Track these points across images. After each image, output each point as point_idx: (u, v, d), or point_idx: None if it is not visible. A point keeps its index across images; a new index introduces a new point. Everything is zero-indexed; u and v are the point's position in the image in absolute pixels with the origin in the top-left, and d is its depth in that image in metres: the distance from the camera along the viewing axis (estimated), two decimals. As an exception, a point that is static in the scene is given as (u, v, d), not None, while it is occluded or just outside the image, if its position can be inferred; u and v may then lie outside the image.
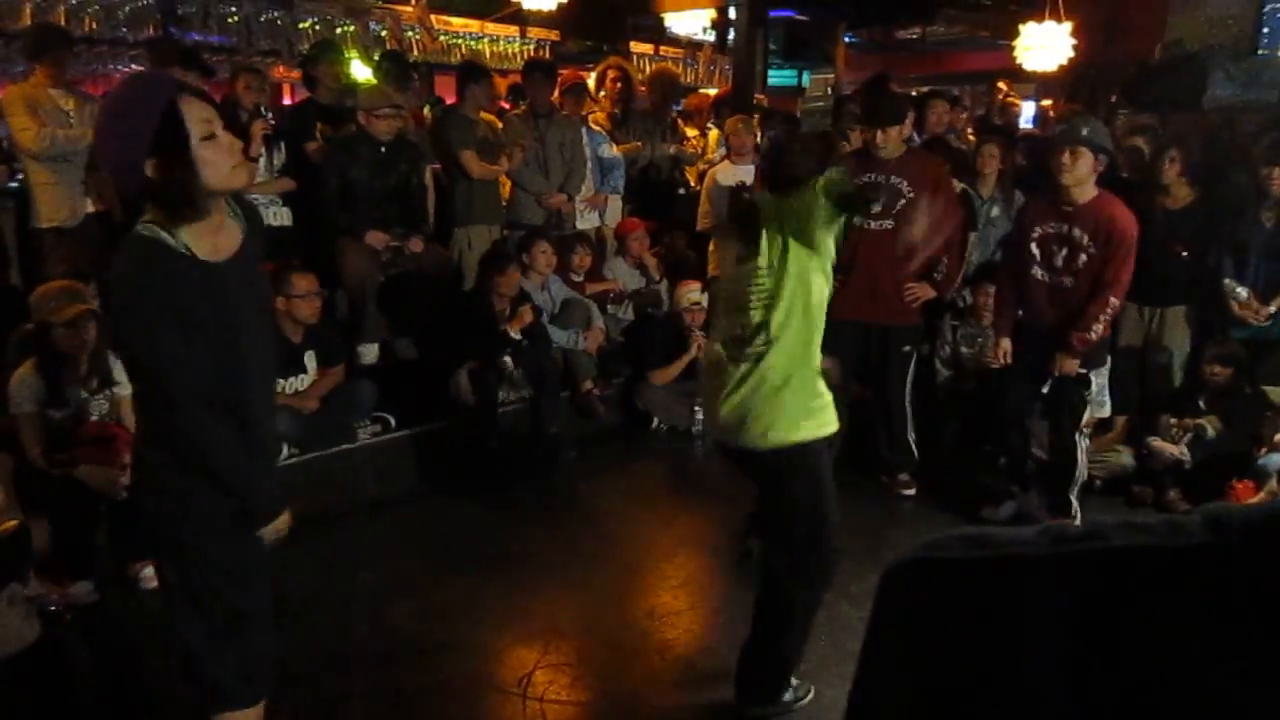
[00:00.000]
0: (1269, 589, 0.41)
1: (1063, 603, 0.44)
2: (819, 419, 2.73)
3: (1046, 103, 7.79)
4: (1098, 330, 3.94)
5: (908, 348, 4.57)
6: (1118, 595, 0.44)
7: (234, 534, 2.06)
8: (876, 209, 4.09)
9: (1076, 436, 4.13)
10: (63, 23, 6.15)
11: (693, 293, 5.63)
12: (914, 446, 4.69)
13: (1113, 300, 3.90)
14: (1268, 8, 7.18)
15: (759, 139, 6.09)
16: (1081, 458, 4.15)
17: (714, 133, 7.02)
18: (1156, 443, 4.51)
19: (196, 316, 1.90)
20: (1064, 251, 3.97)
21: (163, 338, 1.87)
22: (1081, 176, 3.87)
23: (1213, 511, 0.46)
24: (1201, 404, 4.59)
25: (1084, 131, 3.90)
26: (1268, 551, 0.43)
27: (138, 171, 1.83)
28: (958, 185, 5.29)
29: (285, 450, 4.07)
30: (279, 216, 4.98)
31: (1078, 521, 4.21)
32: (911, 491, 4.67)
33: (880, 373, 4.60)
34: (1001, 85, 7.62)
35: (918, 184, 4.25)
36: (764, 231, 2.66)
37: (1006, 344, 4.25)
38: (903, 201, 4.24)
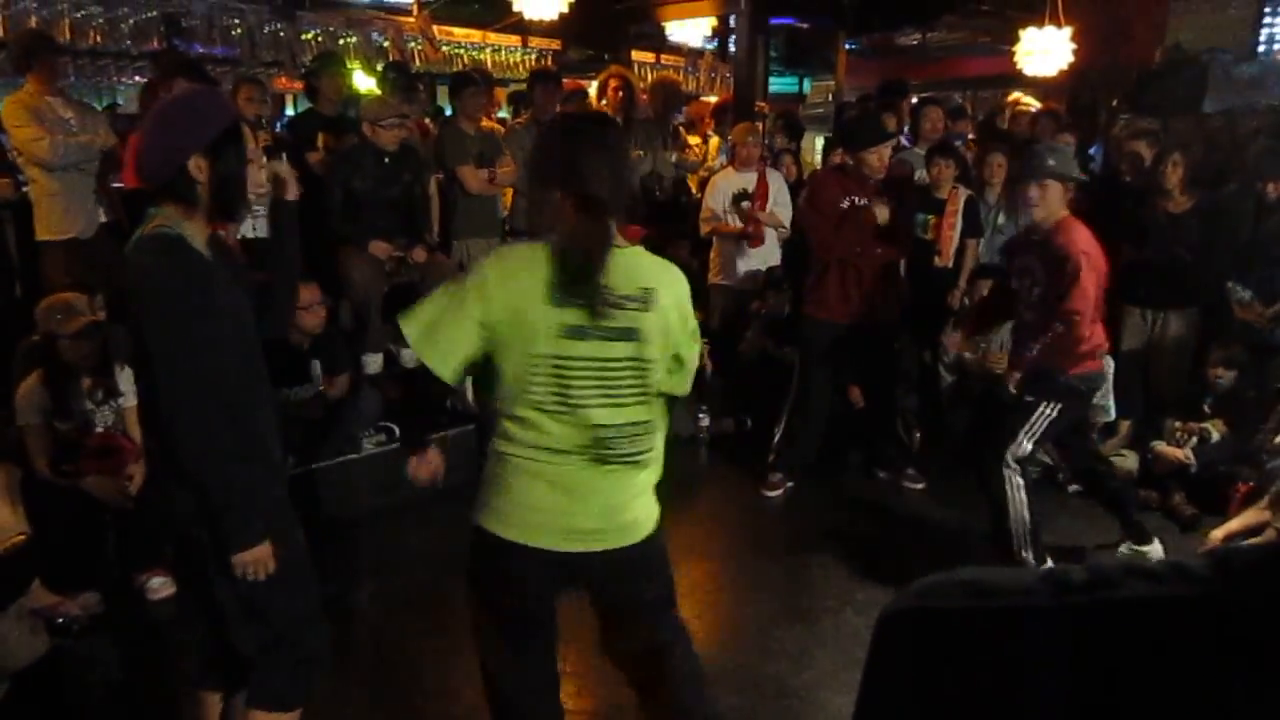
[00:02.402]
0: (1265, 632, 0.40)
1: (1068, 656, 0.42)
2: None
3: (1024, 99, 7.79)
4: (1034, 349, 3.68)
5: (897, 346, 4.79)
6: (1126, 649, 0.42)
7: (285, 541, 2.11)
8: None
9: (1004, 471, 3.66)
10: (68, 35, 6.18)
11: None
12: (903, 434, 4.81)
13: (1057, 326, 3.60)
14: (1267, 12, 7.19)
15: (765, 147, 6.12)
16: (1014, 499, 3.66)
17: (714, 140, 7.03)
18: (1161, 446, 4.51)
19: (220, 313, 2.00)
20: (1027, 283, 3.77)
21: (199, 333, 1.94)
22: (1053, 209, 3.61)
23: (1220, 555, 0.44)
24: (1206, 408, 4.59)
25: (1050, 162, 3.62)
26: (1274, 594, 0.41)
27: (176, 164, 1.99)
28: (964, 192, 5.32)
29: (290, 460, 4.08)
30: (280, 227, 4.99)
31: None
32: (920, 485, 4.72)
33: (872, 371, 4.76)
34: (1017, 95, 7.65)
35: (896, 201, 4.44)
36: None
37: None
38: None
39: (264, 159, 4.86)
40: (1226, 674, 0.40)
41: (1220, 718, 0.40)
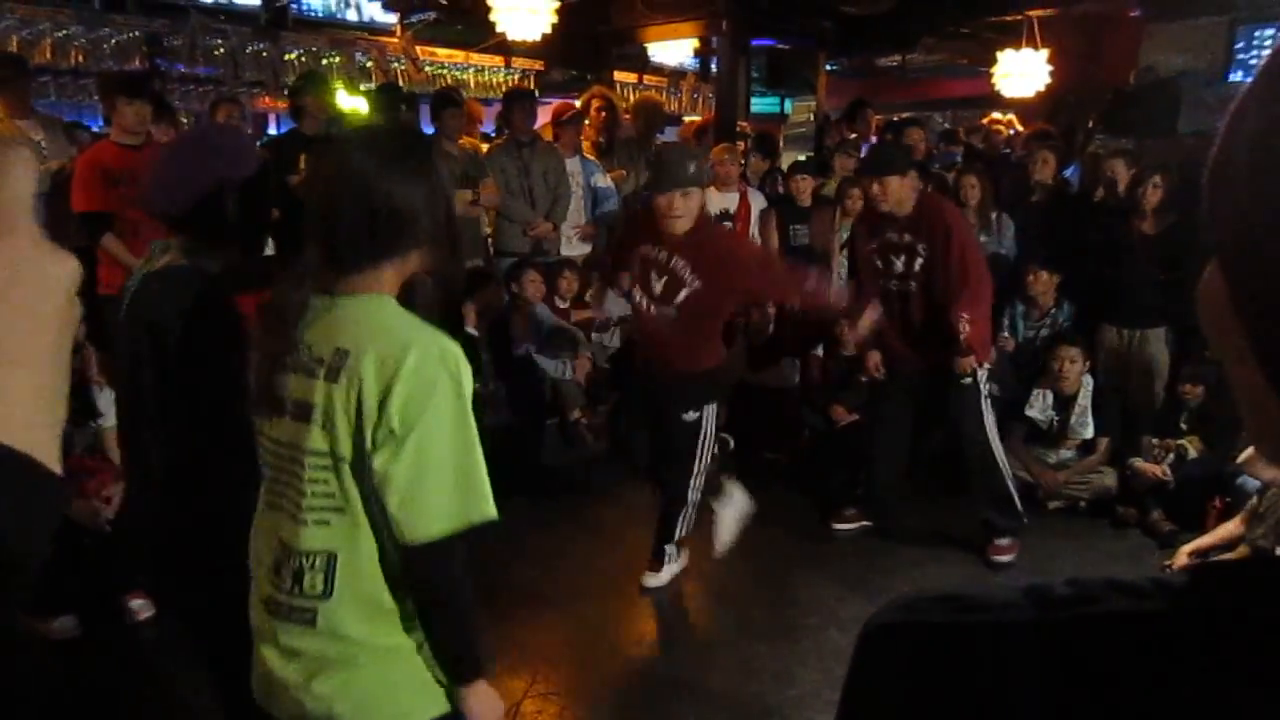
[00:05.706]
0: (1241, 644, 0.41)
1: (1051, 670, 0.43)
2: None
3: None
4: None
5: (967, 380, 4.04)
6: (1107, 663, 0.42)
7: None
8: None
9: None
10: (49, 55, 6.17)
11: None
12: (1016, 499, 4.20)
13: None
14: (1239, 34, 7.32)
15: (743, 166, 6.17)
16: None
17: None
18: (1139, 463, 4.55)
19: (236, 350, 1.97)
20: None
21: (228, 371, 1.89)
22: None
23: (1199, 570, 0.45)
24: (1182, 424, 4.64)
25: (691, 170, 3.34)
26: (1239, 607, 0.42)
27: (203, 192, 1.93)
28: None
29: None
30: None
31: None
32: (1009, 558, 4.19)
33: (952, 419, 4.20)
34: (997, 116, 7.79)
35: (931, 240, 3.97)
36: None
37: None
38: (920, 260, 4.00)
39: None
40: (1199, 687, 0.40)
41: None
